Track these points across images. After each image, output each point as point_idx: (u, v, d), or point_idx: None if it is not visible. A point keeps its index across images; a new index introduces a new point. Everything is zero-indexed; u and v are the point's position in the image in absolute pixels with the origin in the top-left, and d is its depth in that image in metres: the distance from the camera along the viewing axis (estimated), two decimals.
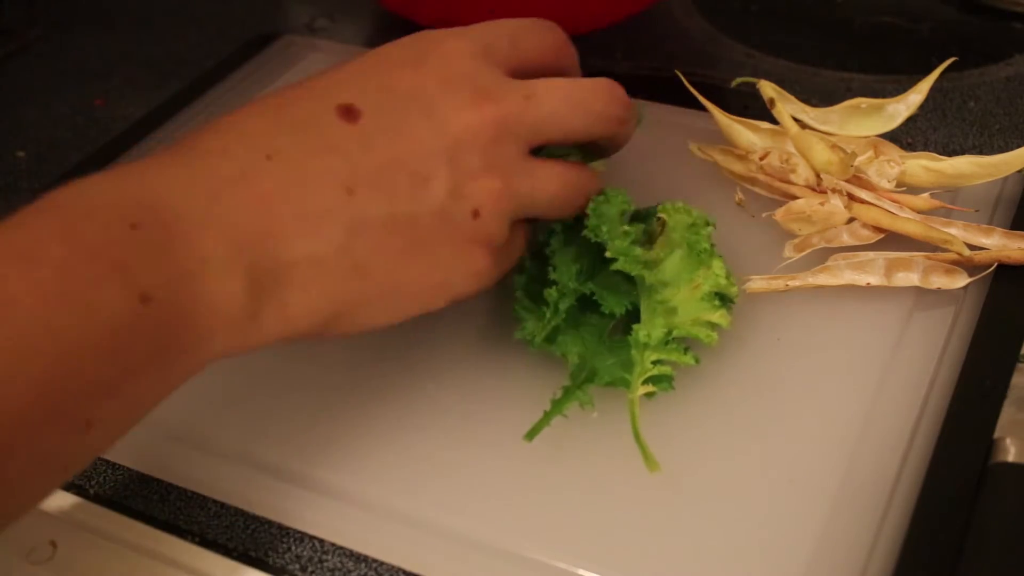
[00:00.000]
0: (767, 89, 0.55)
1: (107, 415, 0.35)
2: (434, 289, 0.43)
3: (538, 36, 0.46)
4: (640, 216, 0.50)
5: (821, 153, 0.52)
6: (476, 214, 0.42)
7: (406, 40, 0.45)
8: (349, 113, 0.41)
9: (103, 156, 0.65)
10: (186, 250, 0.36)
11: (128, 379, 0.35)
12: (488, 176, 0.42)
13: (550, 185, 0.44)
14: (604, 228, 0.46)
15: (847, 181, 0.53)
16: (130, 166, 0.38)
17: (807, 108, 0.56)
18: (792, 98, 0.56)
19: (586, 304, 0.47)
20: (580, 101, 0.45)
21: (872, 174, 0.53)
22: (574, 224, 0.48)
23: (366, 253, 0.40)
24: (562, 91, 0.44)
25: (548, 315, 0.46)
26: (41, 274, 0.33)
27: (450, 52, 0.43)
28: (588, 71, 0.49)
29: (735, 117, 0.57)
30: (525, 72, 0.44)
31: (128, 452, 0.47)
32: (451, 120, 0.41)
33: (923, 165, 0.53)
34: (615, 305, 0.46)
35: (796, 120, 0.55)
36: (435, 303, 0.43)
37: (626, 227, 0.47)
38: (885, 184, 0.53)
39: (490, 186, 0.42)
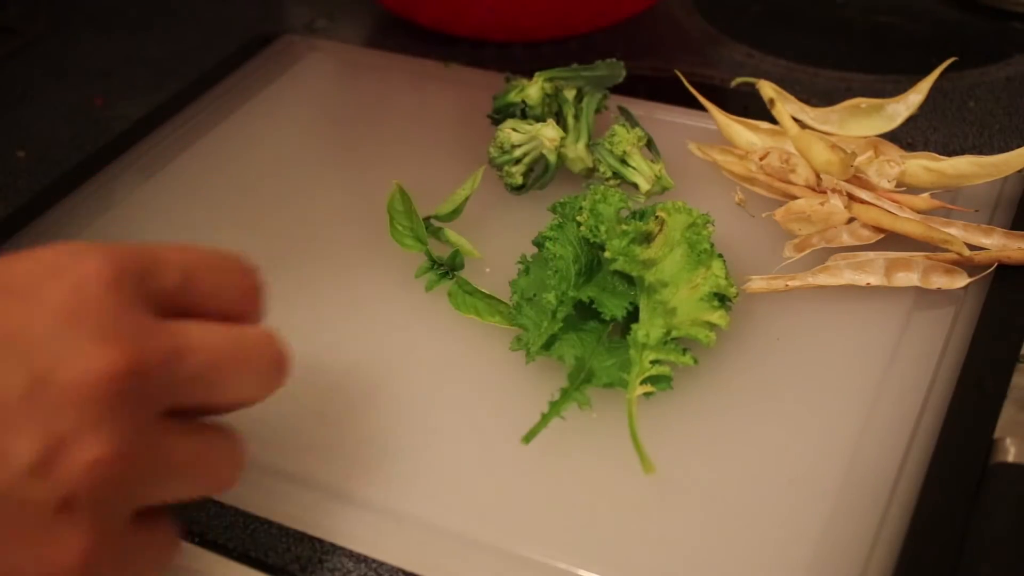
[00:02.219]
0: (767, 89, 0.56)
1: None
2: None
3: (223, 277, 0.36)
4: (639, 216, 0.50)
5: (821, 153, 0.52)
6: (68, 504, 0.31)
7: (39, 253, 0.33)
8: None
9: (103, 156, 0.65)
10: None
11: None
12: (96, 449, 0.31)
13: (181, 459, 0.34)
14: (602, 228, 0.46)
15: (847, 181, 0.53)
16: None
17: (807, 108, 0.56)
18: (792, 98, 0.56)
19: (584, 307, 0.47)
20: (244, 362, 0.35)
21: (872, 174, 0.53)
22: (570, 224, 0.48)
23: None
24: (223, 346, 0.34)
25: (545, 324, 0.46)
26: None
27: (84, 276, 0.32)
28: None
29: (734, 117, 0.57)
30: (188, 317, 0.35)
31: None
32: (58, 371, 0.31)
33: (923, 165, 0.53)
34: (615, 309, 0.46)
35: (796, 120, 0.55)
36: None
37: (624, 226, 0.47)
38: (885, 184, 0.53)
39: (96, 464, 0.31)
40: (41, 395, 0.30)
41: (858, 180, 0.53)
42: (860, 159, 0.54)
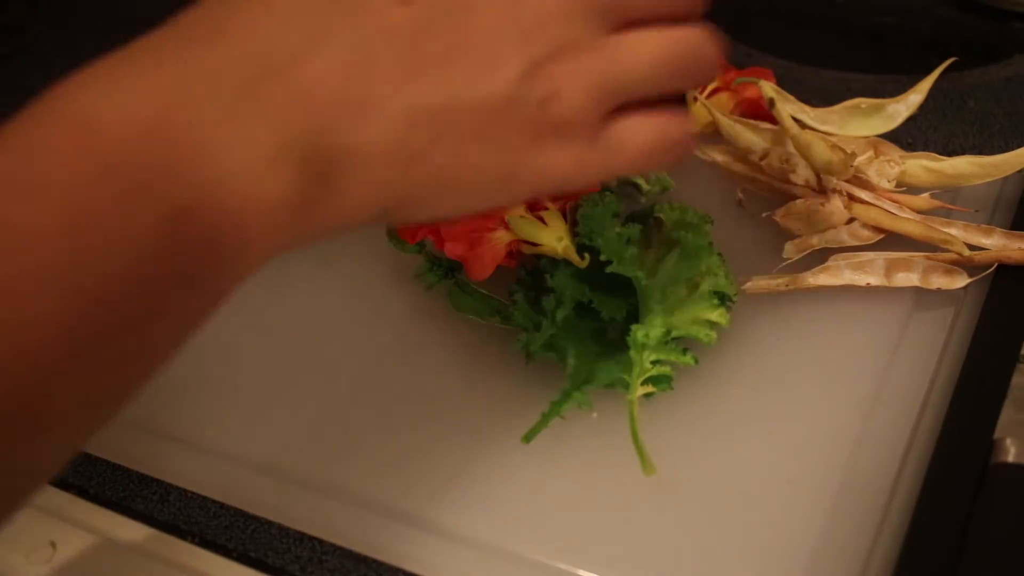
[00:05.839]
0: (767, 89, 0.55)
1: (147, 344, 0.33)
2: (502, 183, 0.38)
3: None
4: (638, 216, 0.50)
5: (822, 153, 0.52)
6: (552, 99, 0.37)
7: None
8: None
9: None
10: (220, 153, 0.33)
11: (166, 303, 0.33)
12: (566, 55, 0.37)
13: (644, 54, 0.38)
14: (596, 232, 0.46)
15: (847, 181, 0.53)
16: (142, 54, 0.34)
17: (807, 108, 0.56)
18: (792, 98, 0.56)
19: (584, 308, 0.47)
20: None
21: (872, 174, 0.53)
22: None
23: (425, 143, 0.36)
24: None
25: (545, 325, 0.46)
26: (56, 202, 0.30)
27: None
28: None
29: (735, 117, 0.57)
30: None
31: (128, 452, 0.47)
32: None
33: (923, 165, 0.53)
34: (614, 310, 0.46)
35: (796, 120, 0.55)
36: (507, 197, 0.39)
37: (619, 229, 0.47)
38: (885, 184, 0.53)
39: (569, 67, 0.37)
40: (517, 16, 0.36)
41: (858, 180, 0.53)
42: (860, 159, 0.54)
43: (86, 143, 0.32)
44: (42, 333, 0.30)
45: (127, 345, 0.32)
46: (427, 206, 0.38)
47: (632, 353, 0.44)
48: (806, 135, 0.53)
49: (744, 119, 0.57)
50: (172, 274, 0.33)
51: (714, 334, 0.46)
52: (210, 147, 0.33)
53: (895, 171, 0.53)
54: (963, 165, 0.53)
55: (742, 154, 0.57)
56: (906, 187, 0.54)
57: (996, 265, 0.50)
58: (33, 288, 0.30)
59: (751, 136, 0.57)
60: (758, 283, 0.50)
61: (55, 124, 0.32)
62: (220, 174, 0.33)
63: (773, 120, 0.56)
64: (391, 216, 0.38)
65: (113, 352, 0.32)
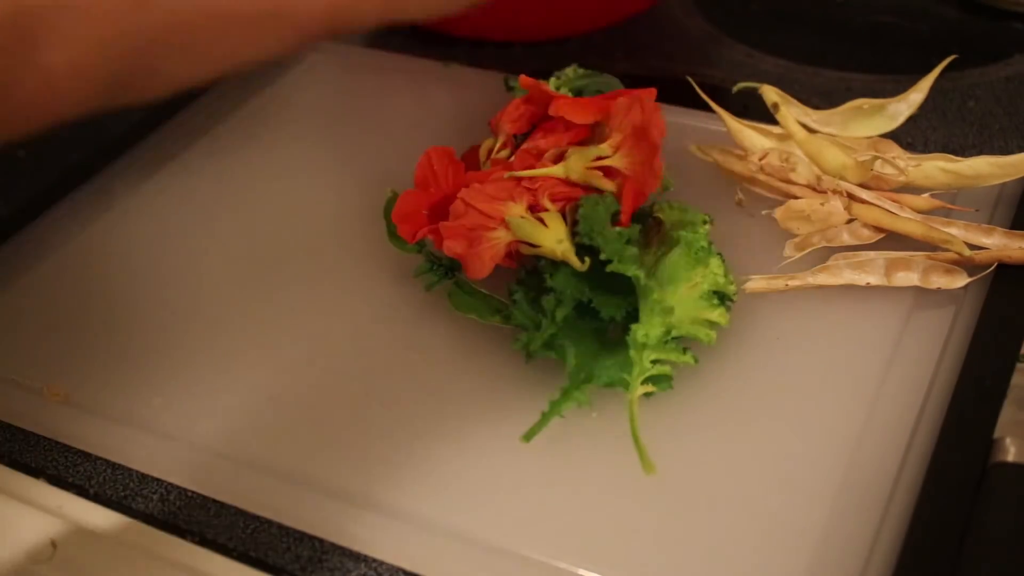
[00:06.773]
0: (770, 94, 0.55)
1: None
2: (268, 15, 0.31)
3: None
4: (638, 216, 0.50)
5: (835, 157, 0.52)
6: None
7: None
8: None
9: (103, 156, 0.65)
10: None
11: None
12: None
13: None
14: (596, 231, 0.46)
15: (844, 180, 0.52)
16: None
17: (809, 111, 0.56)
18: (795, 102, 0.56)
19: (584, 307, 0.47)
20: None
21: (887, 173, 0.53)
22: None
23: None
24: None
25: (545, 325, 0.46)
26: None
27: None
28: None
29: (744, 121, 0.57)
30: None
31: (129, 451, 0.47)
32: None
33: (939, 166, 0.53)
34: (613, 310, 0.46)
35: (801, 124, 0.55)
36: (275, 38, 0.32)
37: (618, 228, 0.47)
38: (888, 182, 0.53)
39: None
40: None
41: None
42: (863, 159, 0.54)
43: None
44: None
45: None
46: (170, 67, 0.32)
47: (632, 353, 0.44)
48: (815, 139, 0.53)
49: (755, 124, 0.56)
50: None
51: (714, 334, 0.46)
52: None
53: (895, 172, 0.53)
54: (981, 165, 0.53)
55: (742, 154, 0.57)
56: (920, 188, 0.53)
57: (996, 265, 0.50)
58: None
59: (762, 140, 0.56)
60: (758, 283, 0.50)
61: None
62: None
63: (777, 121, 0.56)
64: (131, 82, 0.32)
65: None
